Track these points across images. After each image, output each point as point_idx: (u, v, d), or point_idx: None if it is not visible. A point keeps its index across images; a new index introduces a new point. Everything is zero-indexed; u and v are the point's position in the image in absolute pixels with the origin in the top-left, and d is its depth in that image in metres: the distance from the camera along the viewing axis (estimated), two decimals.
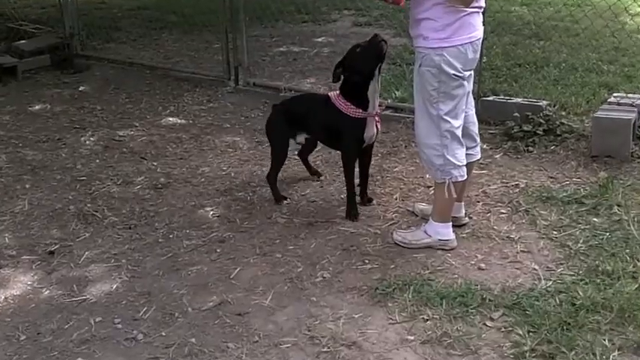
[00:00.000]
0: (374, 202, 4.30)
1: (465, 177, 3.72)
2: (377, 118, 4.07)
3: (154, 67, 7.57)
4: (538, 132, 5.18)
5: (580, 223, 4.03)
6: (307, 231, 4.04)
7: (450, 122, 3.56)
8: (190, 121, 6.03)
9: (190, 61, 7.82)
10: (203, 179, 4.79)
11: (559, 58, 7.20)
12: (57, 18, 8.45)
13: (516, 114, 5.30)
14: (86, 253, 3.85)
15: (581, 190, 4.45)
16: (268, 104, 6.24)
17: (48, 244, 3.96)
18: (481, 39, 3.55)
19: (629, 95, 5.15)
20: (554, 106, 5.52)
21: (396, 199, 4.44)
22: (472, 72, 3.64)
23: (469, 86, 3.62)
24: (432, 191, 4.48)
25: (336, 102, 4.08)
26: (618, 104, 5.04)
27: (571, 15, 8.33)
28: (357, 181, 4.28)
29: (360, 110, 3.99)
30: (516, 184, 4.58)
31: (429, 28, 3.45)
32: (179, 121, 6.06)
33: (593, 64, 6.95)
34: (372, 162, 4.75)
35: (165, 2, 11.04)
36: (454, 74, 3.47)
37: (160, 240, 3.97)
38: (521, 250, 3.79)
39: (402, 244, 3.83)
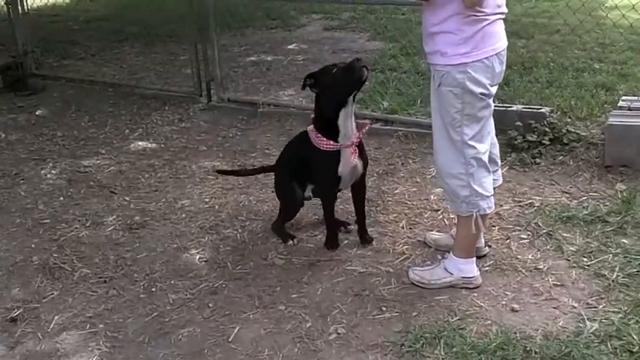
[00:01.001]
0: (374, 242, 3.80)
1: (493, 208, 3.27)
2: (353, 149, 3.54)
3: (117, 84, 7.00)
4: (544, 142, 4.78)
5: (610, 247, 3.64)
6: (310, 273, 3.55)
7: (475, 148, 3.11)
8: (162, 145, 5.49)
9: (157, 76, 7.26)
10: (184, 215, 4.27)
11: (546, 57, 6.83)
12: (7, 34, 7.78)
13: (518, 123, 4.88)
14: (55, 317, 3.29)
15: (602, 206, 4.06)
16: (246, 121, 5.79)
17: (9, 308, 3.40)
18: (506, 49, 3.11)
19: None
20: (556, 112, 5.13)
21: (403, 227, 3.98)
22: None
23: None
24: (440, 216, 4.07)
25: (309, 135, 3.61)
26: (629, 109, 4.66)
27: (547, 11, 7.99)
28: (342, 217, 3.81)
29: (331, 142, 3.50)
30: (530, 203, 4.16)
31: (447, 42, 2.99)
32: (149, 145, 5.51)
33: (583, 62, 6.61)
34: (369, 183, 4.32)
35: (124, 12, 10.42)
36: (481, 93, 3.02)
37: (141, 295, 3.44)
38: (554, 284, 3.36)
39: (421, 285, 3.37)
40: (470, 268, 3.33)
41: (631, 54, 6.61)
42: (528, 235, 3.82)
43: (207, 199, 4.45)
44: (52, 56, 8.07)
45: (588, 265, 3.49)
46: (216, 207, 4.34)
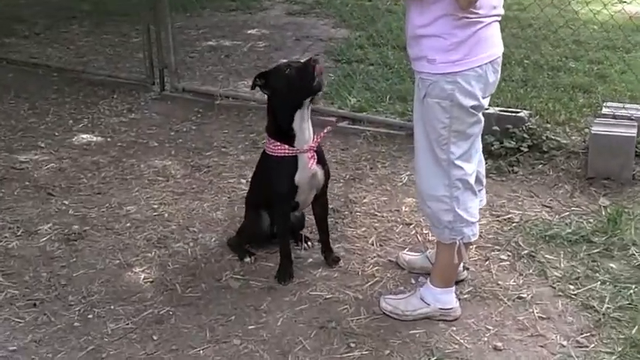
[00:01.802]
0: (341, 262, 3.42)
1: (477, 235, 2.92)
2: (311, 154, 3.14)
3: (63, 68, 6.43)
4: (522, 148, 4.47)
5: (597, 272, 3.35)
6: (270, 299, 3.16)
7: (462, 169, 2.75)
8: (108, 139, 5.01)
9: (106, 60, 6.71)
10: (129, 224, 3.82)
11: (519, 53, 6.51)
12: None
13: (495, 127, 4.55)
14: None
15: (585, 223, 3.77)
16: (202, 114, 5.35)
17: None
18: (501, 56, 2.74)
19: (626, 106, 4.47)
20: (534, 116, 4.82)
21: (373, 244, 3.62)
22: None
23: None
24: (413, 231, 3.73)
25: (265, 146, 3.24)
26: (614, 117, 4.36)
27: (519, 3, 7.68)
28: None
29: (286, 147, 3.11)
30: (509, 218, 3.84)
31: (435, 47, 2.61)
32: (94, 138, 5.03)
33: (558, 61, 6.32)
34: (335, 190, 3.96)
35: None
36: (472, 106, 2.65)
37: (75, 324, 3.00)
38: (539, 316, 3.05)
39: (394, 316, 3.02)
40: (449, 299, 2.98)
41: (607, 53, 6.34)
42: (509, 256, 3.50)
43: (155, 206, 4.01)
44: None
45: (575, 294, 3.18)
46: (166, 215, 3.91)
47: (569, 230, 3.68)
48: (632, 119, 4.26)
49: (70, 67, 6.47)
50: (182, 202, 4.04)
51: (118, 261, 3.47)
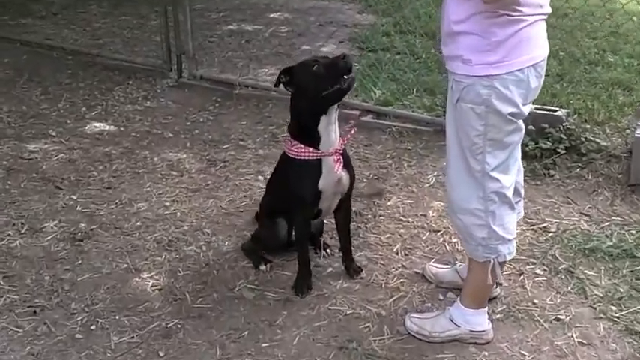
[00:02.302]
0: (363, 273, 3.18)
1: (514, 254, 2.67)
2: (337, 158, 2.88)
3: (78, 51, 6.23)
4: (559, 150, 4.18)
5: None
6: (285, 313, 2.93)
7: (499, 181, 2.48)
8: (122, 129, 4.79)
9: (123, 43, 6.50)
10: (139, 223, 3.61)
11: (553, 45, 6.14)
12: None
13: (531, 126, 4.25)
14: None
15: (627, 235, 3.50)
16: (220, 103, 5.13)
17: None
18: (546, 58, 2.46)
19: None
20: (572, 115, 4.53)
21: (397, 252, 3.38)
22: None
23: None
24: (441, 239, 3.48)
25: (285, 148, 2.97)
26: None
27: None
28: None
29: (310, 149, 2.84)
30: (545, 227, 3.58)
31: (471, 47, 2.34)
32: (107, 127, 4.81)
33: (596, 54, 5.99)
34: (358, 189, 3.69)
35: None
36: (510, 113, 2.38)
37: (77, 335, 2.80)
38: (579, 342, 2.80)
39: (420, 337, 2.78)
40: (480, 321, 2.74)
41: None
42: (545, 270, 3.24)
43: (167, 203, 3.79)
44: (8, 12, 7.25)
45: (618, 317, 2.92)
46: (178, 214, 3.69)
47: (610, 243, 3.41)
48: None
49: (86, 49, 6.26)
50: (196, 200, 3.82)
51: (125, 265, 3.26)
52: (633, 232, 3.53)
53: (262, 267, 3.19)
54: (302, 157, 2.85)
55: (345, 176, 2.93)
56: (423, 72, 5.52)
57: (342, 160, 2.88)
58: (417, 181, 4.04)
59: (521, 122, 2.47)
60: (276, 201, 3.12)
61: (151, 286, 3.10)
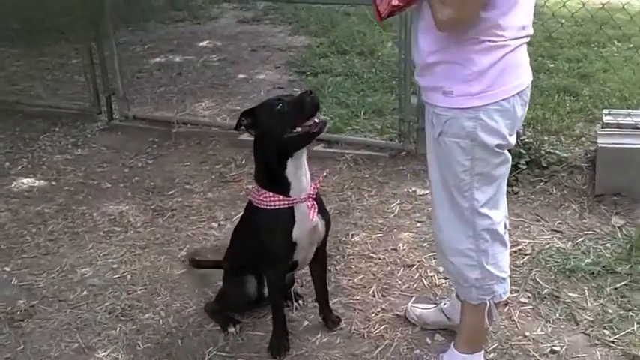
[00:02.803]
0: (342, 323, 2.93)
1: (508, 293, 2.46)
2: (310, 204, 2.61)
3: None
4: (520, 165, 4.03)
5: (629, 310, 2.96)
6: None
7: (489, 218, 2.28)
8: (53, 183, 4.41)
9: (43, 87, 6.06)
10: (85, 292, 3.25)
11: None
12: None
13: None
14: None
15: (603, 250, 3.38)
16: (158, 145, 4.79)
17: None
18: (530, 85, 2.28)
19: (631, 113, 4.08)
20: (527, 127, 4.41)
21: (374, 294, 3.14)
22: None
23: None
24: (417, 273, 3.26)
25: (251, 197, 2.70)
26: (618, 126, 3.96)
27: None
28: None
29: (280, 197, 2.58)
30: (521, 250, 3.41)
31: (451, 77, 2.13)
32: (37, 183, 4.41)
33: (535, 60, 5.91)
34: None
35: (2, 1, 8.96)
36: (497, 146, 2.18)
37: None
38: None
39: None
40: None
41: (583, 50, 5.99)
42: (529, 297, 3.07)
43: (115, 265, 3.45)
44: None
45: (613, 342, 2.76)
46: (129, 277, 3.35)
47: (589, 260, 3.27)
48: (638, 128, 3.86)
49: (2, 97, 5.78)
50: (146, 259, 3.48)
51: (76, 344, 2.90)
52: (608, 245, 3.41)
53: (231, 329, 2.89)
54: (272, 207, 2.57)
55: (320, 223, 2.67)
56: (367, 93, 5.33)
57: (315, 206, 2.62)
58: (380, 212, 3.82)
59: (507, 154, 2.27)
60: (244, 256, 2.82)
61: None
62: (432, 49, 2.15)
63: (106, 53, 5.16)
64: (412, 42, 2.26)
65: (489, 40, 2.08)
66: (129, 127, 5.12)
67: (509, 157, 2.29)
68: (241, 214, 2.94)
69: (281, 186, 2.57)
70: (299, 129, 2.50)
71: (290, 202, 2.57)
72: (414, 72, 2.31)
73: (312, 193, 2.62)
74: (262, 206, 2.60)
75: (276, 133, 2.50)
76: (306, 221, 2.60)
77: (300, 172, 2.58)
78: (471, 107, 2.13)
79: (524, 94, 2.20)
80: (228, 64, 6.50)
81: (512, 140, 2.26)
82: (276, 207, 2.58)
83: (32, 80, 6.24)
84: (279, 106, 2.52)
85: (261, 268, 2.79)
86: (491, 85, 2.11)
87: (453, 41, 2.09)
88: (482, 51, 2.08)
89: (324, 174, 2.94)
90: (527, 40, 2.21)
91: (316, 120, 2.49)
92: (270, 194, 2.57)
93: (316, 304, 2.98)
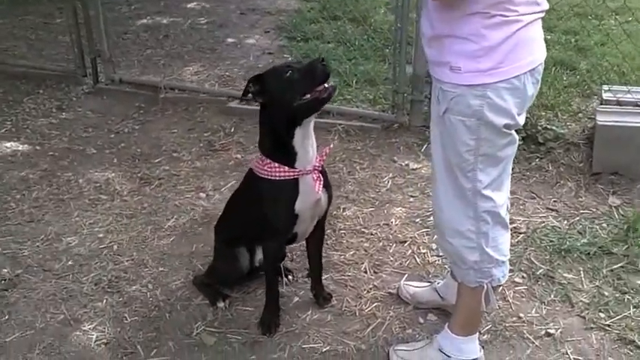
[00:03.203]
0: (333, 300, 2.88)
1: (507, 276, 2.42)
2: (316, 176, 2.55)
3: None
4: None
5: (626, 293, 2.93)
6: (254, 358, 2.60)
7: (492, 200, 2.21)
8: (37, 147, 4.29)
9: (27, 47, 5.90)
10: (71, 262, 3.18)
11: None
12: None
13: None
14: None
15: (599, 230, 3.35)
16: (144, 110, 4.68)
17: None
18: (543, 62, 2.20)
19: (631, 90, 4.00)
20: None
21: (366, 271, 3.09)
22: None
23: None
24: (409, 250, 3.22)
25: (254, 166, 2.61)
26: (618, 103, 3.90)
27: None
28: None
29: (286, 168, 2.51)
30: (515, 228, 3.36)
31: (460, 52, 2.05)
32: (20, 147, 4.30)
33: None
34: None
35: None
36: (505, 126, 2.11)
37: None
38: (574, 358, 2.60)
39: None
40: (472, 348, 2.48)
41: (580, 21, 5.89)
42: (524, 278, 3.03)
43: (101, 235, 3.37)
44: None
45: (609, 325, 2.74)
46: (115, 246, 3.28)
47: (585, 240, 3.23)
48: (639, 105, 3.81)
49: None
50: (133, 229, 3.41)
51: (62, 315, 2.83)
52: (604, 225, 3.38)
53: (220, 304, 2.83)
54: (276, 177, 2.49)
55: (323, 196, 2.60)
56: (359, 61, 5.22)
57: (321, 179, 2.55)
58: (372, 186, 3.76)
59: (515, 133, 2.20)
60: (242, 227, 2.74)
61: (96, 340, 2.69)
62: (442, 20, 2.06)
63: (91, 13, 5.01)
64: (422, 10, 2.17)
65: (501, 15, 1.99)
66: (115, 90, 5.00)
67: (517, 137, 2.22)
68: (239, 183, 2.84)
69: (287, 156, 2.49)
70: (308, 95, 2.41)
71: (296, 173, 2.50)
72: (422, 41, 2.22)
73: (317, 165, 2.55)
74: (265, 176, 2.52)
75: (285, 101, 2.41)
76: (311, 193, 2.53)
77: (308, 142, 2.51)
78: (479, 84, 2.05)
79: (536, 72, 2.13)
80: (217, 28, 6.35)
81: (521, 120, 2.18)
82: (281, 178, 2.50)
83: (16, 40, 6.07)
84: (288, 73, 2.43)
85: (259, 239, 2.73)
86: (502, 61, 2.03)
87: (463, 14, 2.00)
88: (494, 26, 2.00)
89: (331, 145, 2.84)
90: (542, 15, 2.12)
91: (325, 86, 2.40)
92: (276, 164, 2.50)
93: (307, 279, 2.93)
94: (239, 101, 2.63)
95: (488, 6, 1.97)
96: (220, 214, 2.95)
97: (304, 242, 2.83)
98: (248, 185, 2.68)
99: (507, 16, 1.99)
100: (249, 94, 2.50)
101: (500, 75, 2.04)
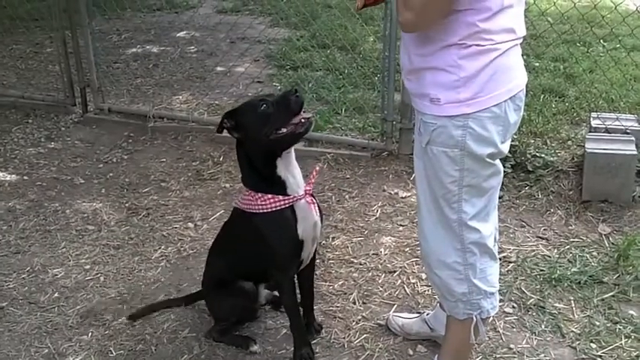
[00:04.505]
0: (323, 332, 2.85)
1: (497, 308, 2.40)
2: (310, 199, 2.55)
3: None
4: (506, 169, 3.92)
5: (617, 323, 2.90)
6: None
7: (478, 231, 2.20)
8: (25, 177, 4.27)
9: (17, 76, 5.89)
10: (57, 294, 3.14)
11: None
12: None
13: None
14: None
15: (590, 258, 3.34)
16: (133, 139, 4.66)
17: None
18: (525, 88, 2.20)
19: (620, 117, 4.03)
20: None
21: (354, 302, 3.06)
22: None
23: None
24: (399, 280, 3.20)
25: (240, 204, 2.58)
26: (607, 130, 3.91)
27: None
28: None
29: (280, 197, 2.48)
30: (505, 257, 3.35)
31: (438, 84, 2.05)
32: (8, 177, 4.28)
33: None
34: None
35: None
36: (489, 155, 2.11)
37: None
38: None
39: None
40: None
41: (568, 48, 5.93)
42: (514, 308, 3.01)
43: (87, 266, 3.34)
44: None
45: (600, 357, 2.72)
46: (101, 278, 3.24)
47: (575, 269, 3.22)
48: (628, 133, 3.82)
49: None
50: (120, 260, 3.38)
51: (46, 349, 2.79)
52: (595, 254, 3.36)
53: (254, 348, 2.74)
54: (273, 209, 2.47)
55: (318, 219, 2.59)
56: (348, 89, 5.24)
57: (314, 201, 2.55)
58: (361, 215, 3.74)
59: (499, 163, 2.20)
60: (241, 268, 2.70)
61: None
62: (419, 52, 2.07)
63: (81, 42, 5.02)
64: (401, 44, 2.17)
65: (477, 45, 1.99)
66: (104, 120, 4.99)
67: (501, 168, 2.23)
68: (227, 216, 2.81)
69: (276, 185, 2.48)
70: (284, 129, 2.41)
71: (290, 200, 2.48)
72: (402, 74, 2.23)
73: (309, 188, 2.54)
74: (260, 210, 2.48)
75: (261, 135, 2.41)
76: (309, 217, 2.53)
77: (292, 167, 2.51)
78: (460, 115, 2.05)
79: (517, 99, 2.12)
80: (206, 56, 6.37)
81: (505, 148, 2.18)
82: (279, 207, 2.47)
83: (5, 69, 6.07)
84: (262, 107, 2.43)
85: (265, 278, 2.71)
86: (480, 91, 2.03)
87: (439, 46, 2.00)
88: (470, 56, 2.00)
89: (317, 168, 2.82)
90: (519, 41, 2.13)
91: (302, 120, 2.40)
92: (269, 196, 2.47)
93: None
94: (214, 127, 2.64)
95: (463, 37, 1.97)
96: (207, 262, 2.86)
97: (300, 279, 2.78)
98: (241, 226, 2.62)
99: (483, 46, 1.99)
100: (224, 130, 2.50)
101: (480, 104, 2.03)
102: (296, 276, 2.76)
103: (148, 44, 6.80)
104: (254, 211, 2.49)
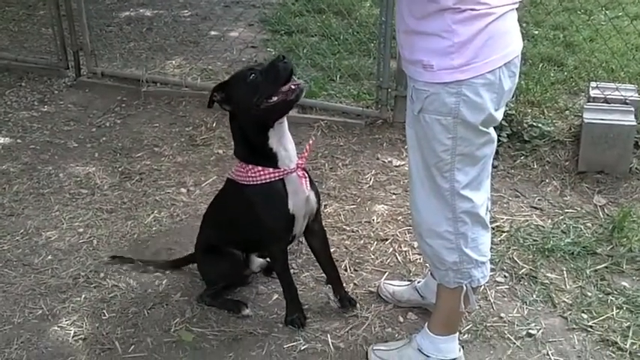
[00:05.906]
0: (357, 306, 2.83)
1: (488, 278, 2.42)
2: (301, 173, 2.55)
3: None
4: (501, 138, 3.97)
5: (609, 294, 2.91)
6: (232, 355, 2.59)
7: (470, 200, 2.21)
8: (18, 140, 4.25)
9: (10, 39, 5.83)
10: (50, 256, 3.15)
11: None
12: None
13: None
14: None
15: (584, 229, 3.34)
16: (126, 104, 4.64)
17: None
18: (520, 54, 2.18)
19: (619, 87, 3.99)
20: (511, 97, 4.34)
21: (346, 269, 3.08)
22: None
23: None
24: (390, 248, 3.22)
25: (235, 176, 2.57)
26: (605, 100, 3.89)
27: None
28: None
29: (270, 170, 2.49)
30: (498, 227, 3.36)
31: (431, 49, 2.03)
32: (2, 140, 4.27)
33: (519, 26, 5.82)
34: None
35: None
36: (482, 123, 2.10)
37: None
38: (555, 359, 2.59)
39: None
40: (451, 348, 2.48)
41: (569, 16, 5.88)
42: (505, 277, 3.03)
43: (81, 229, 3.34)
44: None
45: (591, 327, 2.73)
46: (94, 241, 3.25)
47: (569, 240, 3.23)
48: (627, 103, 3.80)
49: None
50: (113, 224, 3.38)
51: (40, 310, 2.81)
52: (589, 225, 3.37)
53: (245, 311, 2.76)
54: (263, 180, 2.47)
55: (312, 194, 2.59)
56: (344, 55, 5.20)
57: (306, 176, 2.55)
58: (354, 182, 3.75)
59: (493, 131, 2.20)
60: (234, 237, 2.71)
61: (73, 336, 2.67)
62: (413, 16, 2.04)
63: (74, 5, 4.96)
64: (397, 6, 2.15)
65: (471, 9, 1.96)
66: (97, 84, 4.95)
67: (495, 136, 2.22)
68: (220, 186, 2.83)
69: (268, 158, 2.47)
70: (275, 98, 2.40)
71: (281, 173, 2.48)
72: (397, 38, 2.21)
73: (301, 162, 2.53)
74: (251, 182, 2.48)
75: (252, 106, 2.39)
76: (299, 192, 2.52)
77: (285, 140, 2.50)
78: (453, 82, 2.03)
79: (512, 65, 2.10)
80: (200, 20, 6.31)
81: (499, 116, 2.17)
82: (269, 180, 2.47)
83: None
84: (251, 77, 2.42)
85: (258, 247, 2.73)
86: (474, 57, 2.01)
87: (434, 10, 1.98)
88: (464, 20, 1.97)
89: (311, 141, 2.82)
90: (515, 5, 2.10)
91: (292, 86, 2.38)
92: (259, 168, 2.47)
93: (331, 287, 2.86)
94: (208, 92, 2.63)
95: (458, 1, 1.95)
96: (200, 228, 2.88)
97: (312, 253, 2.82)
98: (233, 196, 2.62)
99: (478, 10, 1.97)
100: (215, 103, 2.49)
101: (474, 71, 2.01)
102: (315, 256, 2.79)
103: (142, 7, 6.74)
104: (245, 182, 2.49)
